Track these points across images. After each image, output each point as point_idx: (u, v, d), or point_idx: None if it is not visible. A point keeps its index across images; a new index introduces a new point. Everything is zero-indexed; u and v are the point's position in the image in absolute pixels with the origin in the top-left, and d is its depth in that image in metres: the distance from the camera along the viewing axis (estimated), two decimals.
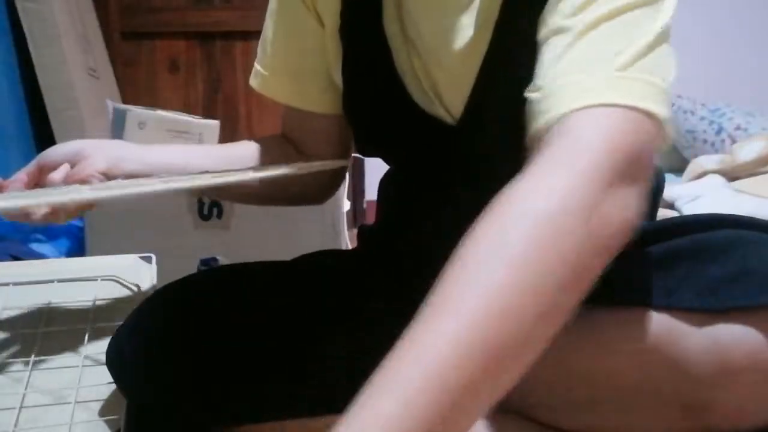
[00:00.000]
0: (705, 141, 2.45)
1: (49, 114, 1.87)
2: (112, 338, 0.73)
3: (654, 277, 0.55)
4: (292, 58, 0.81)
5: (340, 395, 0.63)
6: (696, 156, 2.27)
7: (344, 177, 0.93)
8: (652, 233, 0.58)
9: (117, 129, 1.40)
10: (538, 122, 0.51)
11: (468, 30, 0.67)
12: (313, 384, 0.67)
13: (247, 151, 0.84)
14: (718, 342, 0.56)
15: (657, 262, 0.55)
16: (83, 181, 0.72)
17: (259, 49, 0.83)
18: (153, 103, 1.89)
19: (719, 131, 2.43)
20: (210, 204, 1.46)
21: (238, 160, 0.82)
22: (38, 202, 0.66)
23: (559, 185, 0.45)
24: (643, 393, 0.58)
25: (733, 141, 2.35)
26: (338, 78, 0.78)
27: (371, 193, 0.87)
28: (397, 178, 0.82)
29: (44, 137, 1.91)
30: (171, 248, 1.27)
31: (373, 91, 0.75)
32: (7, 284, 0.92)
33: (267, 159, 0.84)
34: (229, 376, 0.67)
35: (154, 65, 2.56)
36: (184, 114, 1.46)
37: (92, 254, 1.37)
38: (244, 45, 2.57)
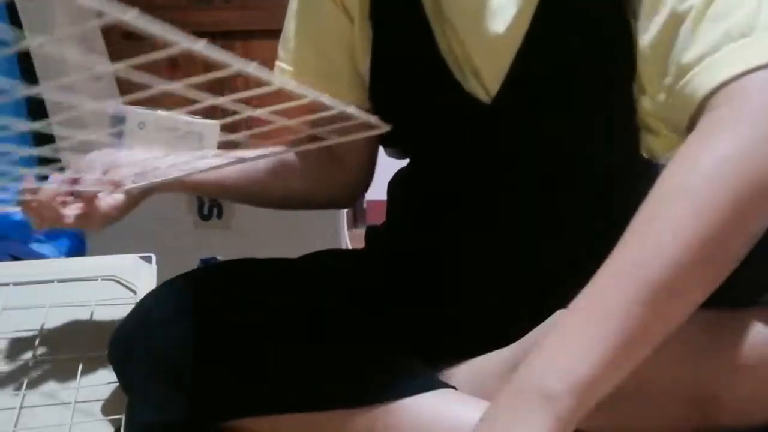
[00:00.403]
0: None
1: (49, 114, 1.87)
2: (114, 335, 0.73)
3: None
4: (319, 55, 0.81)
5: (340, 393, 0.64)
6: None
7: (373, 171, 0.93)
8: None
9: (117, 129, 1.39)
10: (694, 97, 0.53)
11: (509, 7, 0.67)
12: (313, 382, 0.67)
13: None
14: (725, 339, 0.56)
15: None
16: (117, 184, 0.74)
17: (279, 50, 0.83)
18: (153, 103, 1.89)
19: None
20: (210, 204, 1.46)
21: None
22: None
23: (730, 137, 0.48)
24: (649, 389, 0.58)
25: None
26: (365, 70, 0.78)
27: (371, 193, 0.87)
28: (409, 177, 0.82)
29: (44, 137, 1.90)
30: (171, 248, 1.27)
31: (406, 71, 0.75)
32: (7, 284, 0.92)
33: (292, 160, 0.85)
34: (229, 375, 0.67)
35: (154, 65, 2.55)
36: (185, 114, 1.46)
37: (92, 254, 1.37)
38: (244, 45, 2.57)
